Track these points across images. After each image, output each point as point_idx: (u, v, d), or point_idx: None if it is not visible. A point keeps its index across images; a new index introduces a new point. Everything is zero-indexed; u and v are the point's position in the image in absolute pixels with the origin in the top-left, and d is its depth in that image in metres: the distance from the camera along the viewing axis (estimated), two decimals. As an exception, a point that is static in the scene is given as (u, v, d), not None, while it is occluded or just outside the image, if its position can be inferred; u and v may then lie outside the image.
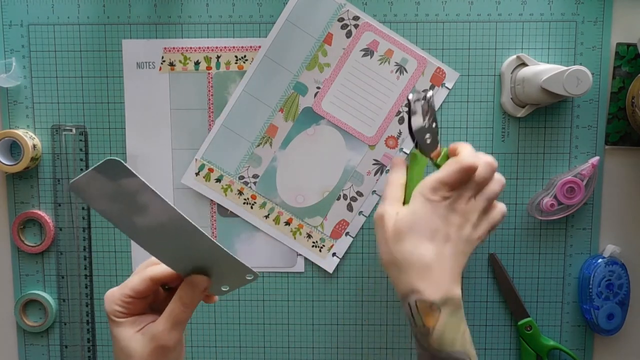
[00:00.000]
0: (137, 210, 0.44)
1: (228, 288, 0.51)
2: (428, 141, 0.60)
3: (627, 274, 0.70)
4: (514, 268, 0.73)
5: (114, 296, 0.50)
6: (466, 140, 0.69)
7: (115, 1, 0.71)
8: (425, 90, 0.60)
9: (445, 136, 0.71)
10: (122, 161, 0.41)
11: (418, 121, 0.60)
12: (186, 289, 0.49)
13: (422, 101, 0.61)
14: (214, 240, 0.46)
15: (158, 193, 0.43)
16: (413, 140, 0.60)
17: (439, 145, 0.61)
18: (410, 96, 0.60)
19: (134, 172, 0.42)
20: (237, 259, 0.47)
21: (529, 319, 0.71)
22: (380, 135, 0.71)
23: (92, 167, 0.41)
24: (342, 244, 0.73)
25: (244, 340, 0.74)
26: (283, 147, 0.72)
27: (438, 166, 0.60)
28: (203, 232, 0.45)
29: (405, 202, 0.58)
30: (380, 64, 0.70)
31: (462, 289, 0.57)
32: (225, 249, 0.46)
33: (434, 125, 0.60)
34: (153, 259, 0.51)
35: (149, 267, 0.51)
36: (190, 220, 0.44)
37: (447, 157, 0.59)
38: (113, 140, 0.72)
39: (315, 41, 0.70)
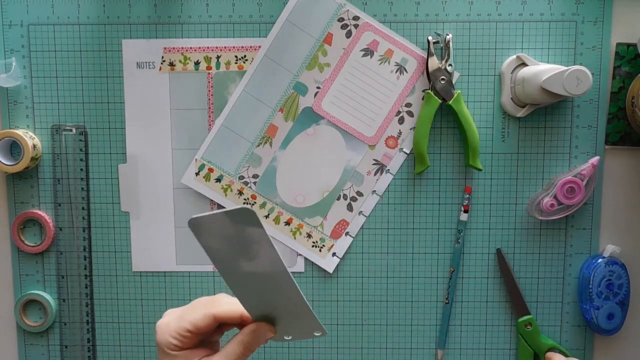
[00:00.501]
0: (245, 256, 0.44)
1: (291, 338, 0.50)
2: (442, 82, 0.64)
3: (627, 274, 0.70)
4: (514, 268, 0.73)
5: (169, 328, 0.48)
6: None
7: (115, 1, 0.71)
8: (446, 34, 0.66)
9: (446, 136, 0.71)
10: (255, 212, 0.41)
11: (434, 62, 0.66)
12: (251, 335, 0.48)
13: (441, 44, 0.67)
14: (303, 295, 0.46)
15: (275, 247, 0.43)
16: (429, 80, 0.67)
17: (453, 88, 0.67)
18: (430, 38, 0.67)
19: (262, 224, 0.42)
20: (314, 315, 0.47)
21: (529, 316, 0.71)
22: (380, 135, 0.71)
23: (224, 211, 0.41)
24: (342, 244, 0.73)
25: (244, 340, 0.74)
26: (283, 147, 0.72)
27: (450, 108, 0.66)
28: (297, 286, 0.45)
29: (415, 146, 0.65)
30: (380, 64, 0.70)
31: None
32: (308, 303, 0.47)
33: (449, 68, 0.66)
34: (213, 296, 0.50)
35: (213, 305, 0.49)
36: (291, 275, 0.45)
37: None
38: (113, 140, 0.72)
39: (315, 41, 0.70)
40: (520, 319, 0.71)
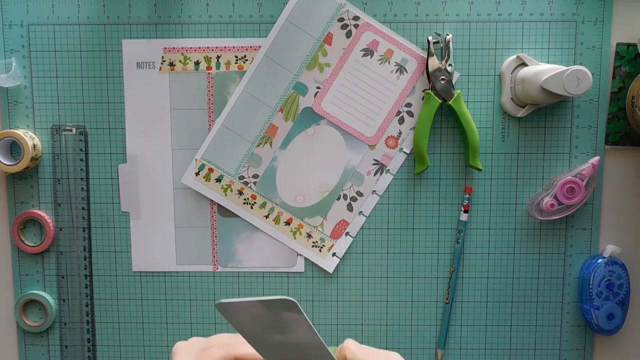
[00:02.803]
0: (278, 332, 0.42)
1: None
2: (442, 82, 0.64)
3: (627, 274, 0.70)
4: (514, 268, 0.73)
5: None
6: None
7: (115, 1, 0.71)
8: (446, 34, 0.66)
9: (446, 136, 0.71)
10: (297, 302, 0.39)
11: (434, 62, 0.67)
12: None
13: (441, 44, 0.67)
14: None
15: (311, 325, 0.41)
16: (429, 80, 0.67)
17: (452, 88, 0.67)
18: (430, 37, 0.67)
19: (303, 311, 0.40)
20: None
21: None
22: (380, 135, 0.71)
23: (260, 300, 0.39)
24: (342, 244, 0.73)
25: (244, 340, 0.74)
26: (283, 147, 0.72)
27: (450, 107, 0.67)
28: (331, 353, 0.44)
29: (415, 146, 0.65)
30: (380, 64, 0.70)
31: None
32: None
33: (449, 68, 0.66)
34: (234, 335, 0.49)
35: (235, 345, 0.46)
36: (325, 344, 0.43)
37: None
38: (113, 140, 0.72)
39: (315, 41, 0.70)
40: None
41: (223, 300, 0.39)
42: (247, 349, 0.45)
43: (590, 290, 0.70)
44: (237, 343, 0.46)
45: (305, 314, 0.40)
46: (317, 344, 0.43)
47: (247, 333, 0.42)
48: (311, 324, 0.41)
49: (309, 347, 0.43)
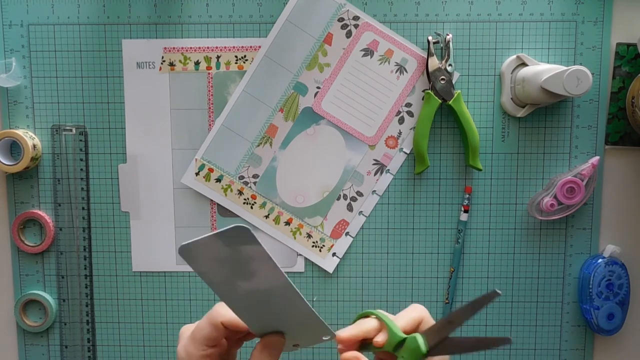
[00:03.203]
0: (244, 275, 0.41)
1: (299, 345, 0.49)
2: (442, 82, 0.65)
3: (627, 274, 0.70)
4: (514, 268, 0.73)
5: (189, 353, 0.46)
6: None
7: (115, 1, 0.71)
8: (446, 34, 0.67)
9: (446, 136, 0.71)
10: (250, 229, 0.39)
11: (434, 62, 0.67)
12: (264, 350, 0.46)
13: (441, 44, 0.68)
14: (307, 302, 0.44)
15: (275, 262, 0.41)
16: (429, 80, 0.68)
17: (452, 88, 0.67)
18: (430, 37, 0.67)
19: (259, 240, 0.39)
20: (321, 319, 0.46)
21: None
22: (380, 135, 0.71)
23: (214, 233, 0.38)
24: (342, 244, 0.73)
25: (244, 340, 0.74)
26: (283, 147, 0.72)
27: (450, 107, 0.67)
28: (301, 295, 0.43)
29: (415, 146, 0.65)
30: (380, 64, 0.70)
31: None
32: (314, 310, 0.45)
33: (449, 68, 0.67)
34: (214, 306, 0.49)
35: (218, 313, 0.47)
36: (294, 286, 0.43)
37: None
38: (113, 140, 0.72)
39: (315, 41, 0.70)
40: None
41: (184, 243, 0.39)
42: (229, 313, 0.46)
43: (590, 290, 0.70)
44: (218, 309, 0.47)
45: (263, 246, 0.40)
46: (284, 284, 0.42)
47: (213, 281, 0.42)
48: (273, 259, 0.40)
49: (278, 293, 0.43)
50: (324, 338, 0.48)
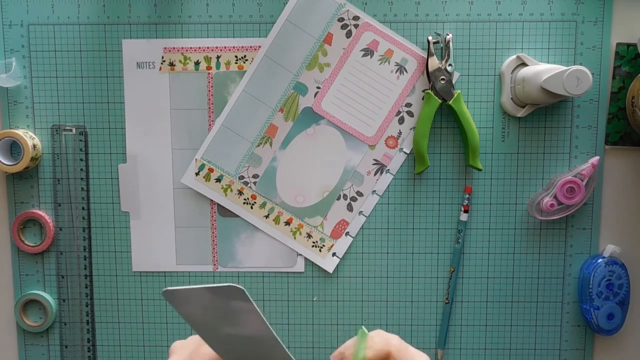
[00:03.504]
0: (229, 322, 0.41)
1: None
2: (442, 82, 0.66)
3: (627, 274, 0.70)
4: (514, 268, 0.73)
5: None
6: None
7: (115, 1, 0.71)
8: (446, 34, 0.67)
9: (446, 136, 0.71)
10: (245, 290, 0.39)
11: (434, 62, 0.67)
12: None
13: (441, 44, 0.68)
14: (288, 352, 0.44)
15: (262, 316, 0.41)
16: (429, 80, 0.68)
17: (452, 88, 0.67)
18: (430, 37, 0.67)
19: (251, 299, 0.39)
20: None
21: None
22: (380, 135, 0.71)
23: (206, 287, 0.38)
24: (342, 244, 0.73)
25: (244, 340, 0.74)
26: (283, 147, 0.72)
27: (450, 107, 0.67)
28: (283, 345, 0.43)
29: (415, 146, 0.65)
30: (380, 64, 0.70)
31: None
32: (292, 357, 0.45)
33: (449, 68, 0.67)
34: (193, 341, 0.48)
35: (199, 352, 0.46)
36: (277, 337, 0.42)
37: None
38: (113, 140, 0.72)
39: (315, 41, 0.70)
40: None
41: (169, 288, 0.38)
42: (209, 352, 0.45)
43: (590, 290, 0.70)
44: (194, 347, 0.46)
45: (254, 304, 0.39)
46: (269, 336, 0.42)
47: (197, 323, 0.42)
48: (262, 314, 0.40)
49: (261, 340, 0.43)
50: None
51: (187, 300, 0.40)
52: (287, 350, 0.44)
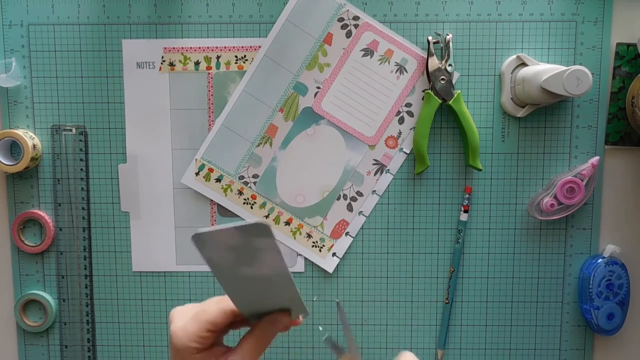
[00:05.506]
0: (248, 262, 0.42)
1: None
2: (442, 82, 0.65)
3: (627, 274, 0.70)
4: (514, 268, 0.73)
5: (187, 332, 0.46)
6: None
7: (115, 1, 0.71)
8: (446, 34, 0.67)
9: (446, 136, 0.71)
10: (270, 226, 0.39)
11: (434, 62, 0.67)
12: (268, 326, 0.48)
13: (441, 44, 0.68)
14: (296, 287, 0.46)
15: (281, 254, 0.42)
16: (429, 80, 0.68)
17: (452, 88, 0.67)
18: (430, 37, 0.67)
19: (274, 236, 0.40)
20: (304, 304, 0.47)
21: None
22: (380, 135, 0.71)
23: (234, 226, 0.39)
24: (342, 244, 0.73)
25: (244, 340, 0.74)
26: (283, 147, 0.72)
27: (450, 107, 0.67)
28: (294, 282, 0.45)
29: (415, 146, 0.65)
30: (380, 64, 0.70)
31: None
32: (298, 291, 0.46)
33: (449, 68, 0.67)
34: (219, 297, 0.49)
35: (225, 301, 0.48)
36: (291, 276, 0.44)
37: None
38: (113, 140, 0.72)
39: (315, 41, 0.70)
40: None
41: (199, 231, 0.39)
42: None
43: (590, 290, 0.70)
44: (224, 299, 0.48)
45: (276, 240, 0.40)
46: (283, 273, 0.43)
47: (218, 265, 0.43)
48: (281, 251, 0.41)
49: (276, 279, 0.44)
50: (301, 318, 0.50)
51: (213, 243, 0.41)
52: (297, 289, 0.45)
